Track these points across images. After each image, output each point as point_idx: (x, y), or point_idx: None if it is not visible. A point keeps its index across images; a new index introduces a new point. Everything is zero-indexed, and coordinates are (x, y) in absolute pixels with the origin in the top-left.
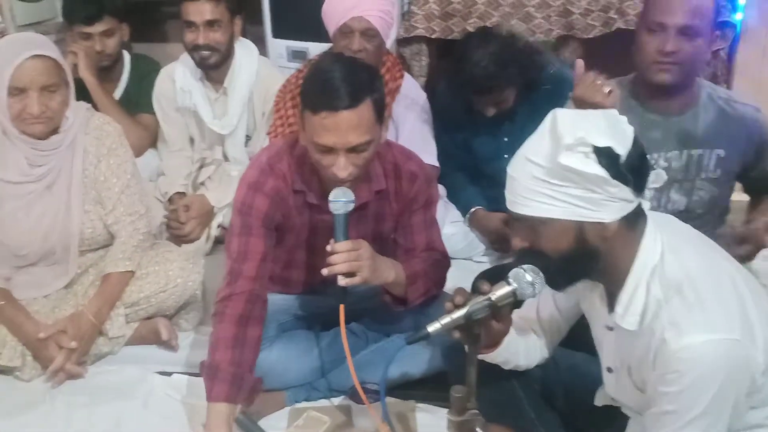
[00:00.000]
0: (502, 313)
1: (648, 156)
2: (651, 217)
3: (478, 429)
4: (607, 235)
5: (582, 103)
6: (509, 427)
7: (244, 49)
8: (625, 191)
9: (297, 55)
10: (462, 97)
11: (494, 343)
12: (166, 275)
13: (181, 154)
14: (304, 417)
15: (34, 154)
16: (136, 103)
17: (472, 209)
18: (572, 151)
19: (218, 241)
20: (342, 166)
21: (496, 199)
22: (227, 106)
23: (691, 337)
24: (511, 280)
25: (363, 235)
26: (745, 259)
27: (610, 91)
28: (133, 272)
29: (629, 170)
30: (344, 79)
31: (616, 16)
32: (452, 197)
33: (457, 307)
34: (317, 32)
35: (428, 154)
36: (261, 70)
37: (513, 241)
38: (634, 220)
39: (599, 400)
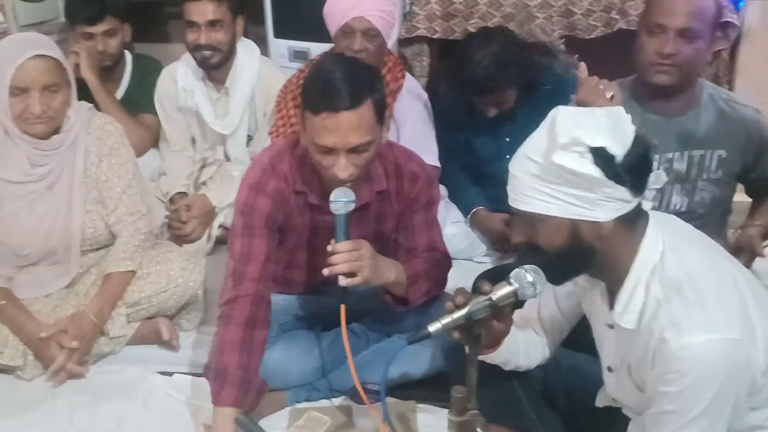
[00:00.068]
0: (503, 313)
1: (652, 156)
2: (653, 217)
3: (478, 429)
4: (602, 233)
5: (584, 107)
6: (510, 427)
7: (246, 49)
8: (622, 191)
9: (298, 55)
10: (463, 98)
11: (495, 343)
12: (168, 275)
13: (182, 154)
14: (305, 417)
15: (35, 154)
16: (138, 103)
17: (474, 210)
18: (567, 151)
19: (219, 241)
20: (343, 167)
21: (497, 200)
22: (229, 106)
23: (691, 337)
24: (512, 280)
25: (364, 235)
26: None
27: (612, 96)
28: (135, 272)
29: (626, 171)
30: (345, 80)
31: (617, 17)
32: (453, 198)
33: (458, 307)
34: (319, 32)
35: (429, 154)
36: (263, 70)
37: (512, 235)
38: (633, 219)
39: (600, 401)
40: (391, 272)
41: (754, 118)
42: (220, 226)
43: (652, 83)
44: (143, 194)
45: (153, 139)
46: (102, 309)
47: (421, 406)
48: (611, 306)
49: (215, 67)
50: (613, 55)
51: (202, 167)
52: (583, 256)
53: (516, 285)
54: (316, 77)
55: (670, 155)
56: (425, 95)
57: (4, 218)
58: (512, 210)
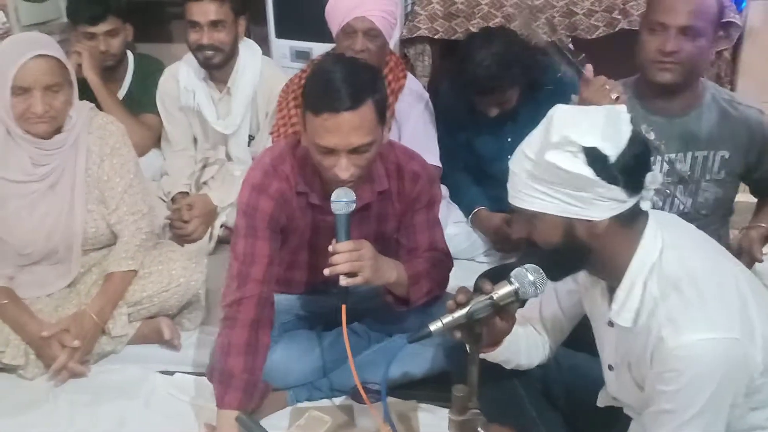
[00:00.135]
0: (505, 312)
1: (650, 157)
2: (653, 216)
3: (479, 428)
4: (596, 232)
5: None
6: (511, 426)
7: (248, 50)
8: (616, 191)
9: (300, 55)
10: (465, 98)
11: (496, 342)
12: (169, 275)
13: (184, 153)
14: (306, 417)
15: (37, 154)
16: (140, 102)
17: (475, 209)
18: (559, 150)
19: (221, 241)
20: (344, 168)
21: (499, 200)
22: (231, 106)
23: (689, 335)
24: (513, 279)
25: (365, 235)
26: None
27: (617, 98)
28: (136, 271)
29: (620, 171)
30: (345, 80)
31: (619, 17)
32: (455, 197)
33: (459, 306)
34: (321, 32)
35: (431, 154)
36: (264, 70)
37: (512, 231)
38: (630, 218)
39: (601, 401)
40: (392, 272)
41: (756, 118)
42: (221, 226)
43: (654, 82)
44: (145, 194)
45: (155, 138)
46: (103, 308)
47: (422, 405)
48: (611, 304)
49: (217, 67)
50: (615, 56)
51: (204, 167)
52: (579, 253)
53: (517, 284)
54: (317, 78)
55: (672, 156)
56: (427, 95)
57: (5, 218)
58: (511, 207)
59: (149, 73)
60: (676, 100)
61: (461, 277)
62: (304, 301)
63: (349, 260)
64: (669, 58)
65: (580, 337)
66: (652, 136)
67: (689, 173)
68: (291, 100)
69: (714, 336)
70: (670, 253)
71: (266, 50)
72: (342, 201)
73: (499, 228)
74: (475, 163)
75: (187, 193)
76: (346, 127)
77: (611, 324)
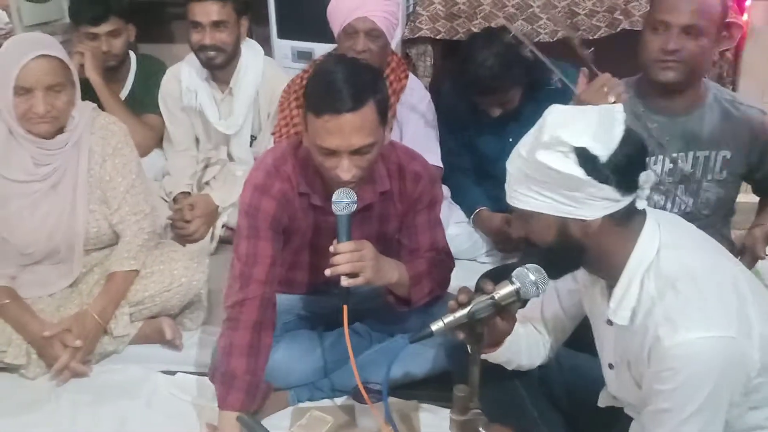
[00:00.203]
0: (506, 312)
1: (644, 156)
2: (652, 215)
3: (480, 428)
4: (590, 231)
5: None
6: (512, 426)
7: (250, 50)
8: (608, 191)
9: (302, 55)
10: (467, 98)
11: (497, 342)
12: (171, 274)
13: (186, 154)
14: (307, 416)
15: (39, 154)
16: (142, 103)
17: (477, 210)
18: (549, 150)
19: (223, 241)
20: (345, 169)
21: (500, 200)
22: (233, 107)
23: (685, 334)
24: (514, 279)
25: (367, 235)
26: None
27: (614, 101)
28: (138, 271)
29: (612, 170)
30: (347, 81)
31: (621, 17)
32: (456, 198)
33: (461, 305)
34: (322, 33)
35: (432, 154)
36: (266, 70)
37: (511, 230)
38: (626, 217)
39: (602, 401)
40: (393, 273)
41: (758, 118)
42: (223, 226)
43: (656, 80)
44: (147, 194)
45: (157, 139)
46: (105, 308)
47: (423, 405)
48: (609, 303)
49: (219, 68)
50: (617, 56)
51: (206, 167)
52: (574, 252)
53: (518, 284)
54: (318, 79)
55: (674, 155)
56: (428, 95)
57: (7, 217)
58: (508, 206)
59: (151, 74)
60: (679, 99)
61: (462, 277)
62: (305, 302)
63: (351, 261)
64: (671, 57)
65: (581, 338)
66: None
67: (692, 171)
68: (293, 100)
69: (710, 334)
70: (668, 252)
71: (268, 50)
72: (343, 202)
73: (500, 228)
74: (477, 163)
75: (189, 193)
76: (347, 128)
77: (610, 323)
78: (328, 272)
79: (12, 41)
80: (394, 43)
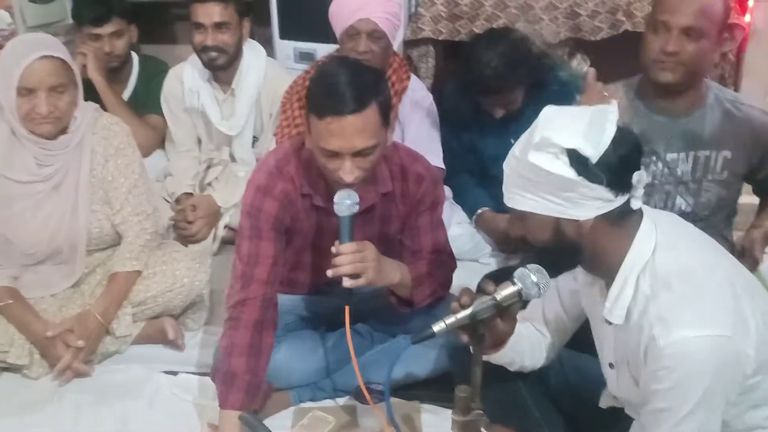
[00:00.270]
0: (507, 313)
1: (637, 156)
2: (649, 215)
3: (482, 429)
4: (583, 231)
5: None
6: (514, 427)
7: (252, 51)
8: (600, 191)
9: (304, 56)
10: (469, 99)
11: (500, 343)
12: (173, 275)
13: (188, 154)
14: (309, 417)
15: (42, 154)
16: (144, 103)
17: (479, 210)
18: (540, 151)
19: (225, 242)
20: (348, 170)
21: (502, 201)
22: (235, 107)
23: (679, 333)
24: (516, 280)
25: (369, 237)
26: None
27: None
28: (140, 272)
29: (604, 171)
30: (349, 83)
31: (623, 18)
32: (459, 198)
33: (463, 307)
34: (324, 34)
35: (434, 155)
36: (269, 71)
37: (510, 229)
38: (620, 217)
39: (603, 402)
40: (395, 274)
41: (760, 119)
42: (225, 227)
43: (655, 81)
44: (149, 194)
45: (159, 139)
46: (108, 308)
47: (425, 406)
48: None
49: (222, 69)
50: (619, 57)
51: (208, 168)
52: (569, 251)
53: (520, 285)
54: (321, 81)
55: (675, 156)
56: (430, 96)
57: (10, 218)
58: (506, 206)
59: (154, 74)
60: (679, 100)
61: (465, 278)
62: (307, 302)
63: (353, 262)
64: (670, 58)
65: (582, 339)
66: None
67: (690, 173)
68: (295, 101)
69: (704, 333)
70: (664, 252)
71: (270, 51)
72: (345, 203)
73: (502, 229)
74: (479, 164)
75: (191, 193)
76: (350, 130)
77: (609, 322)
78: (330, 273)
79: (15, 42)
80: (396, 45)
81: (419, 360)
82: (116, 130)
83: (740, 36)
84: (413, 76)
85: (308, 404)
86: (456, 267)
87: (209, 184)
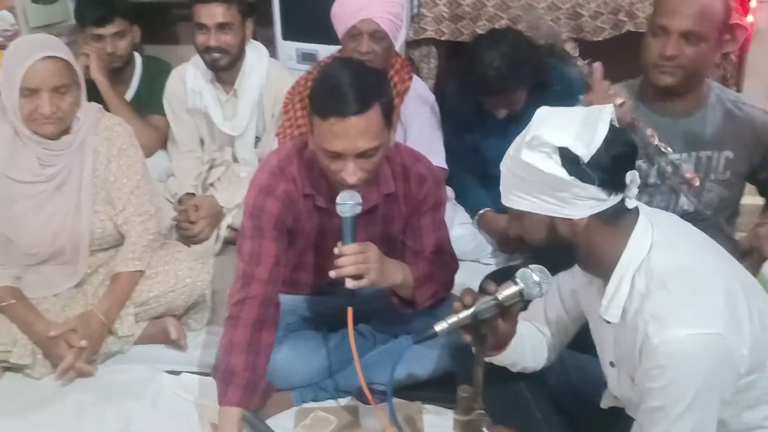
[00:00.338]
0: (508, 313)
1: (631, 156)
2: (646, 214)
3: (484, 429)
4: (577, 230)
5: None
6: (516, 428)
7: (255, 52)
8: (592, 190)
9: (307, 57)
10: (472, 99)
11: (502, 344)
12: (176, 275)
13: (191, 155)
14: (311, 417)
15: (45, 154)
16: (147, 104)
17: (481, 211)
18: (533, 150)
19: (227, 242)
20: (351, 172)
21: None
22: (237, 108)
23: (672, 332)
24: (518, 280)
25: (372, 237)
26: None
27: (622, 103)
28: (143, 272)
29: (595, 170)
30: (352, 85)
31: (625, 19)
32: (461, 199)
33: (465, 307)
34: (327, 34)
35: (436, 155)
36: (271, 72)
37: (509, 228)
38: (615, 216)
39: (605, 402)
40: (398, 274)
41: (761, 118)
42: (227, 227)
43: (655, 84)
44: (152, 195)
45: (162, 140)
46: (110, 308)
47: (427, 406)
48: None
49: (224, 69)
50: (621, 58)
51: (210, 168)
52: (564, 250)
53: (522, 285)
54: (324, 82)
55: (677, 156)
56: (432, 97)
57: (13, 218)
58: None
59: (156, 75)
60: (680, 101)
61: (467, 278)
62: (310, 303)
63: (355, 263)
64: (669, 62)
65: (584, 339)
66: (655, 140)
67: (693, 176)
68: (297, 102)
69: (696, 331)
70: (660, 251)
71: (272, 52)
72: (348, 204)
73: (504, 229)
74: (481, 164)
75: (194, 194)
76: (353, 132)
77: (608, 321)
78: (332, 274)
79: (18, 42)
80: (398, 45)
81: (421, 360)
82: (119, 130)
83: (742, 36)
84: (415, 77)
85: (310, 404)
86: (458, 268)
87: (212, 184)
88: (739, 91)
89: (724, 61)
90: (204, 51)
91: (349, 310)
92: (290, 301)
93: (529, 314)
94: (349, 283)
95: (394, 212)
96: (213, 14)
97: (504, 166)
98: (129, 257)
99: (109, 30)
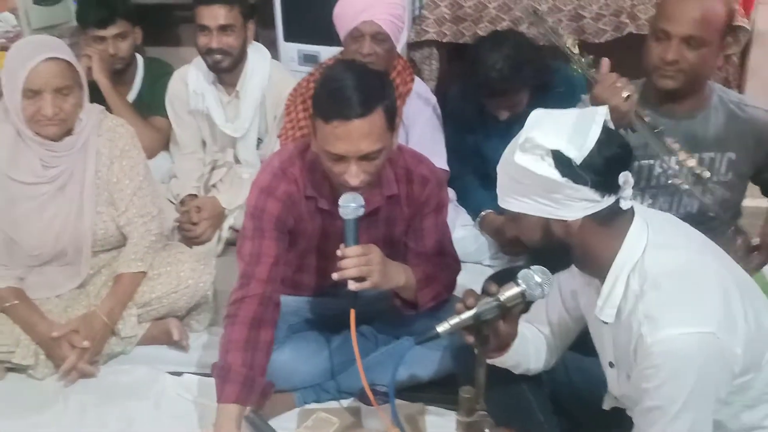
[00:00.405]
0: (510, 314)
1: (624, 157)
2: (641, 214)
3: (486, 430)
4: (572, 231)
5: (598, 103)
6: (518, 429)
7: (257, 53)
8: (585, 191)
9: (308, 58)
10: (473, 101)
11: (504, 346)
12: (178, 276)
13: (193, 156)
14: (314, 418)
15: (47, 156)
16: (149, 105)
17: (483, 212)
18: (526, 152)
19: (229, 243)
20: (354, 174)
21: None
22: (239, 110)
23: (665, 331)
24: (520, 281)
25: (374, 239)
26: (757, 267)
27: (628, 96)
28: (145, 273)
29: (588, 172)
30: (356, 88)
31: (627, 21)
32: (462, 200)
33: (467, 308)
34: (328, 36)
35: (438, 157)
36: (273, 73)
37: (506, 230)
38: (609, 217)
39: (607, 404)
40: (400, 276)
41: (764, 119)
42: (230, 228)
43: (657, 87)
44: (154, 196)
45: (164, 141)
46: (113, 309)
47: (429, 408)
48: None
49: (226, 71)
50: (623, 60)
51: (213, 169)
52: (559, 251)
53: (524, 286)
54: (327, 85)
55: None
56: (434, 99)
57: (15, 219)
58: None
59: (159, 76)
60: (683, 102)
61: (468, 280)
62: (312, 304)
63: (358, 265)
64: (671, 66)
65: (586, 341)
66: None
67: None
68: (299, 103)
69: (689, 330)
70: (654, 251)
71: (274, 53)
72: (350, 206)
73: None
74: (483, 166)
75: (196, 195)
76: (356, 135)
77: (604, 321)
78: (335, 276)
79: (20, 44)
80: (400, 47)
81: (423, 362)
82: (121, 131)
83: (744, 38)
84: (417, 79)
85: (312, 406)
86: (460, 269)
87: (214, 185)
88: (741, 92)
89: (726, 62)
90: (206, 53)
91: (352, 312)
92: (293, 303)
93: (530, 316)
94: (352, 285)
95: (396, 214)
96: (215, 16)
97: (500, 169)
98: (131, 258)
99: (110, 31)
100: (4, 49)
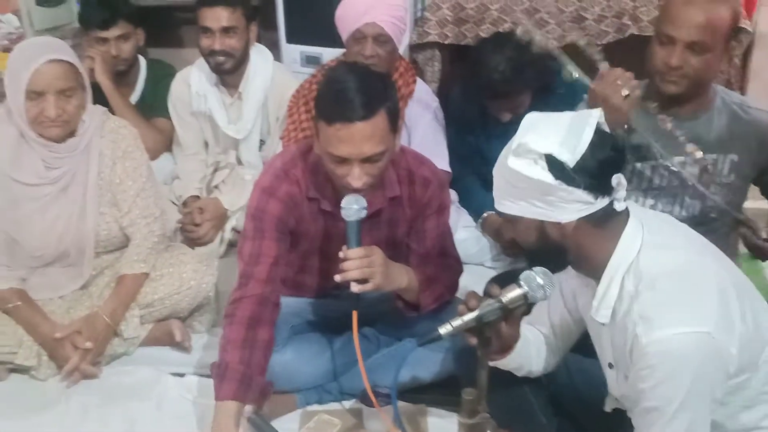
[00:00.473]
0: (512, 316)
1: (618, 159)
2: (637, 216)
3: None
4: (566, 233)
5: (598, 100)
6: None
7: (259, 55)
8: (579, 194)
9: (311, 60)
10: (475, 102)
11: (507, 348)
12: (180, 277)
13: (195, 157)
14: (316, 420)
15: (50, 157)
16: (152, 107)
17: (485, 214)
18: (519, 157)
19: (231, 244)
20: (356, 176)
21: None
22: (242, 111)
23: (660, 332)
24: (522, 282)
25: (376, 241)
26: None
27: (627, 95)
28: (148, 274)
29: (581, 175)
30: (359, 90)
31: (629, 22)
32: (464, 202)
33: (469, 309)
34: (331, 38)
35: (440, 159)
36: (276, 75)
37: (504, 232)
38: (603, 219)
39: (608, 405)
40: (402, 278)
41: (767, 121)
42: (232, 229)
43: (661, 92)
44: (157, 197)
45: (167, 142)
46: (115, 310)
47: (431, 409)
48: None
49: (229, 73)
50: (625, 61)
51: (215, 171)
52: (555, 252)
53: (526, 287)
54: (330, 87)
55: (682, 159)
56: (436, 100)
57: (18, 220)
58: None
59: (161, 78)
60: (685, 105)
61: (470, 281)
62: (314, 306)
63: (360, 267)
64: (674, 71)
65: (587, 343)
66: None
67: (697, 177)
68: (302, 105)
69: (684, 330)
70: (650, 252)
71: (277, 55)
72: (353, 208)
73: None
74: (485, 167)
75: (199, 196)
76: (359, 137)
77: (601, 323)
78: (338, 278)
79: (23, 45)
80: (402, 49)
81: (425, 363)
82: (124, 133)
83: (746, 40)
84: (419, 80)
85: (315, 407)
86: (462, 271)
87: (216, 187)
88: (743, 94)
89: (728, 65)
90: (208, 54)
91: (354, 314)
92: (295, 304)
93: (532, 317)
94: (354, 287)
95: (398, 216)
96: (218, 18)
97: (496, 173)
98: (134, 259)
99: (113, 33)
100: (7, 50)
